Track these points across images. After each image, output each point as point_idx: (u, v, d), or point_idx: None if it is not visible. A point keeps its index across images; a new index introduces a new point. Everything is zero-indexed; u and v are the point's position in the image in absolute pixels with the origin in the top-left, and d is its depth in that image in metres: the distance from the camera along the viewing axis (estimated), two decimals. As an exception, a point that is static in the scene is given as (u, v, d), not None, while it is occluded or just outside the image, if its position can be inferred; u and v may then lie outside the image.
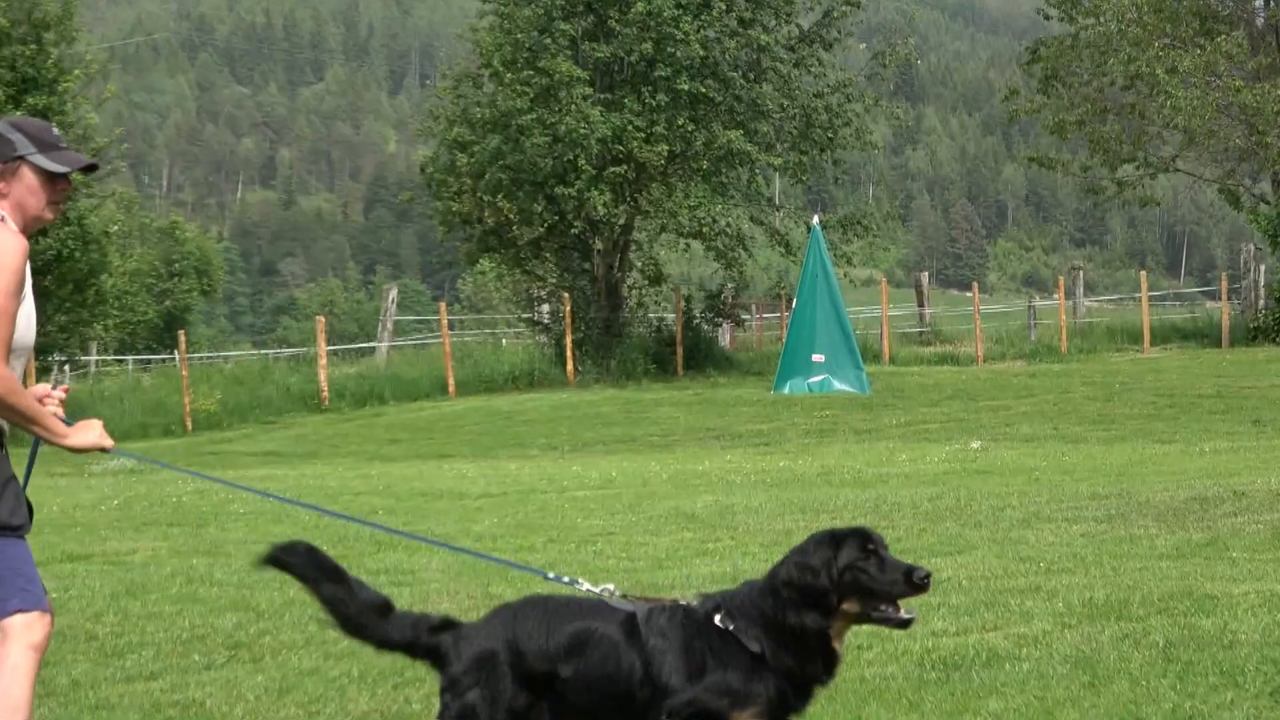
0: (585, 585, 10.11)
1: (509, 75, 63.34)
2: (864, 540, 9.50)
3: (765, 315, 75.47)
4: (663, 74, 62.81)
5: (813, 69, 66.50)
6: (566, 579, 10.46)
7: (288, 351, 76.70)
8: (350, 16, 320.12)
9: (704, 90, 63.11)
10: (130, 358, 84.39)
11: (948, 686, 13.93)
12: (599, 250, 65.46)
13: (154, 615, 17.83)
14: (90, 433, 10.28)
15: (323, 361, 59.27)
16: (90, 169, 10.66)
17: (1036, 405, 51.33)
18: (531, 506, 28.91)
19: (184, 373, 57.05)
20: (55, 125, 10.72)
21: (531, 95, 62.55)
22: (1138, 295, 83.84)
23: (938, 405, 51.76)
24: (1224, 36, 79.03)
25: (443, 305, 71.17)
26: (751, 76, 64.69)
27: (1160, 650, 14.81)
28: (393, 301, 77.65)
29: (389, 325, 74.21)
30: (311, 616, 18.03)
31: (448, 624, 9.80)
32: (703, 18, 62.84)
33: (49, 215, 10.28)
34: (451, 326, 67.94)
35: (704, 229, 65.66)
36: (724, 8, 63.44)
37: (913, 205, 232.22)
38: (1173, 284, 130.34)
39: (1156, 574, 19.19)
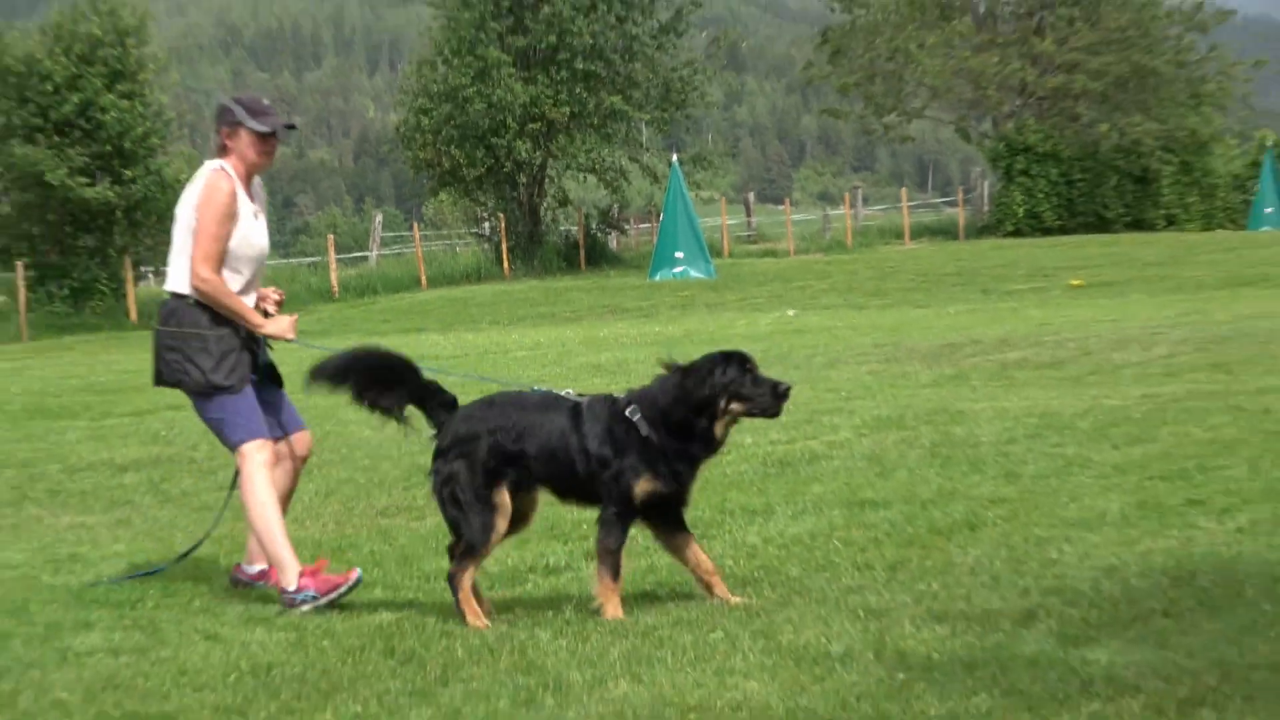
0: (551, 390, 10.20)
1: (455, 60, 63.21)
2: (743, 361, 9.73)
3: (640, 225, 75.24)
4: (564, 57, 62.86)
5: (669, 50, 66.36)
6: (541, 388, 10.44)
7: (306, 260, 76.19)
8: (338, 19, 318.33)
9: (593, 68, 63.20)
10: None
11: (783, 478, 14.13)
12: (523, 183, 65.47)
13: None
14: (279, 324, 10.66)
15: (333, 266, 59.02)
16: (290, 128, 10.84)
17: (832, 284, 51.41)
18: (485, 363, 28.92)
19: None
20: (265, 97, 10.97)
21: (471, 74, 62.50)
22: (899, 205, 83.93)
23: (763, 286, 51.69)
24: (957, 20, 79.46)
25: (415, 225, 71.11)
26: (627, 57, 64.61)
27: (928, 449, 15.06)
28: (379, 223, 77.42)
29: (377, 239, 73.99)
30: (344, 440, 18.24)
31: (452, 404, 10.00)
32: (590, 16, 62.90)
33: (263, 162, 10.63)
34: (422, 239, 67.91)
35: (596, 166, 65.90)
36: (605, 8, 63.39)
37: (740, 145, 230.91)
38: (924, 196, 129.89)
39: (922, 398, 19.40)
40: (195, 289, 10.35)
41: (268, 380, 10.80)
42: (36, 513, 14.75)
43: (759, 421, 17.79)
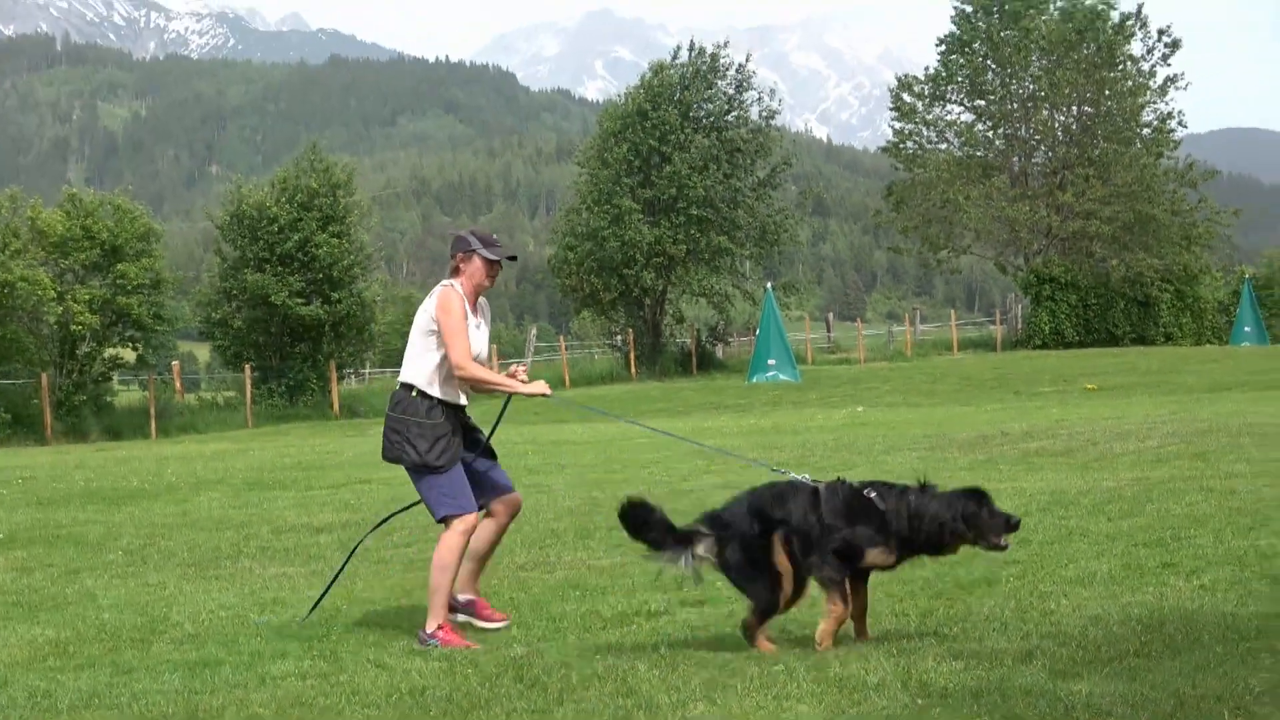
0: (790, 473, 10.23)
1: (596, 208, 63.72)
2: (982, 496, 9.53)
3: (741, 338, 75.37)
4: (682, 205, 63.15)
5: (766, 200, 66.64)
6: (779, 469, 10.77)
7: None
8: (506, 174, 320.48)
9: (705, 214, 63.46)
10: (388, 370, 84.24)
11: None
12: (648, 305, 65.66)
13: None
14: (537, 385, 10.81)
15: (495, 368, 59.29)
16: (512, 258, 11.10)
17: (894, 386, 51.27)
18: (614, 447, 28.99)
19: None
20: (495, 232, 11.22)
21: (608, 219, 62.97)
22: (950, 323, 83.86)
23: (838, 388, 51.67)
24: (996, 178, 79.49)
25: (562, 337, 71.59)
26: (732, 206, 64.86)
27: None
28: (533, 335, 78.08)
29: (531, 347, 74.57)
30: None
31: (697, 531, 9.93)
32: (703, 173, 63.32)
33: (488, 284, 10.85)
34: (567, 348, 68.28)
35: (706, 291, 66.16)
36: (715, 168, 63.81)
37: (823, 275, 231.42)
38: (970, 316, 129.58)
39: (957, 478, 19.18)
40: (458, 377, 10.58)
41: (483, 455, 10.94)
42: (248, 565, 14.90)
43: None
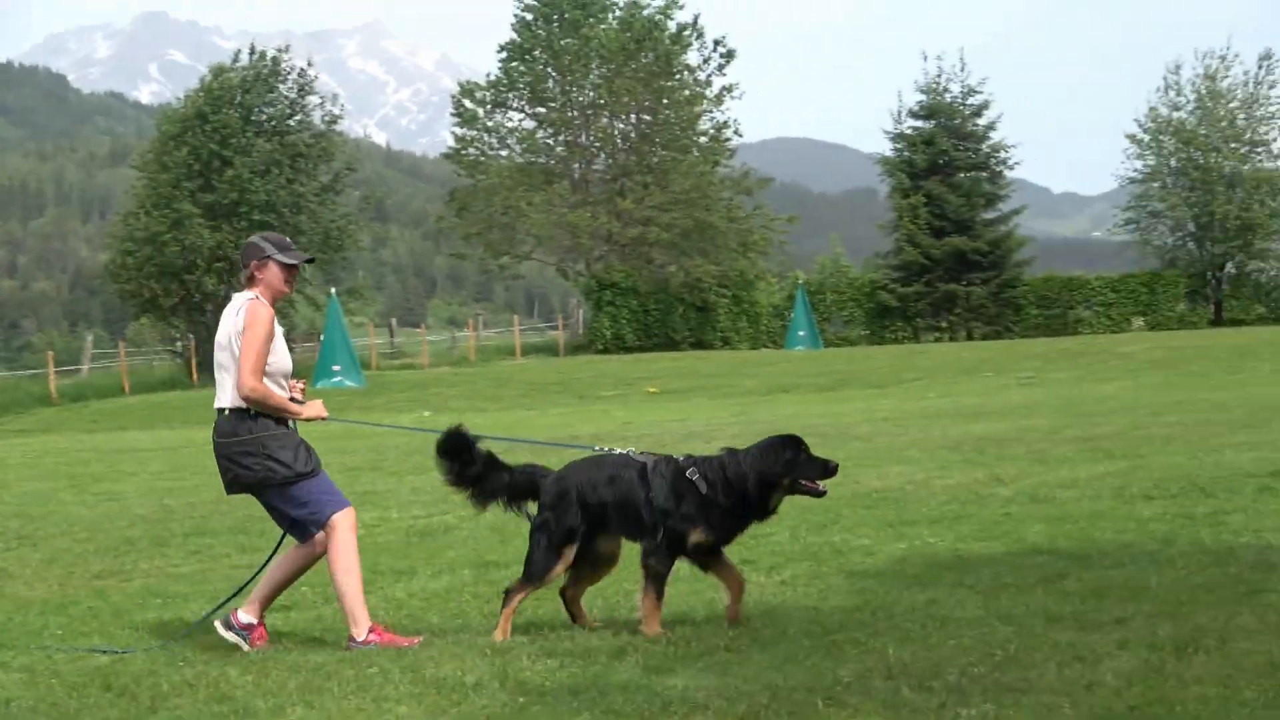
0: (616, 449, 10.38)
1: (155, 212, 62.53)
2: (798, 443, 9.50)
3: (305, 344, 74.36)
4: (244, 210, 62.50)
5: (329, 205, 66.27)
6: (602, 447, 10.62)
7: (28, 372, 73.95)
8: (58, 178, 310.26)
9: (268, 219, 62.72)
10: None
11: (424, 545, 14.13)
12: (209, 310, 64.46)
13: None
14: (313, 408, 10.29)
15: (51, 377, 57.45)
16: (310, 260, 10.74)
17: (460, 391, 51.43)
18: (182, 454, 28.38)
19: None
20: (286, 236, 10.68)
21: (168, 223, 61.88)
22: (512, 328, 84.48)
23: (404, 393, 51.57)
24: (557, 184, 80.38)
25: (121, 343, 69.90)
26: (295, 210, 64.34)
27: (539, 521, 15.18)
28: (89, 342, 75.91)
29: (88, 355, 72.32)
30: (64, 516, 17.78)
31: (540, 471, 10.25)
32: (265, 177, 62.66)
33: (287, 290, 10.32)
34: (126, 355, 66.78)
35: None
36: (278, 172, 63.18)
37: (385, 280, 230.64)
38: (532, 322, 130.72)
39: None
40: (245, 399, 9.95)
41: None
42: None
43: (405, 498, 17.81)
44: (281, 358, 10.21)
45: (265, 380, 10.01)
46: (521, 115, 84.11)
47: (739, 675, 7.92)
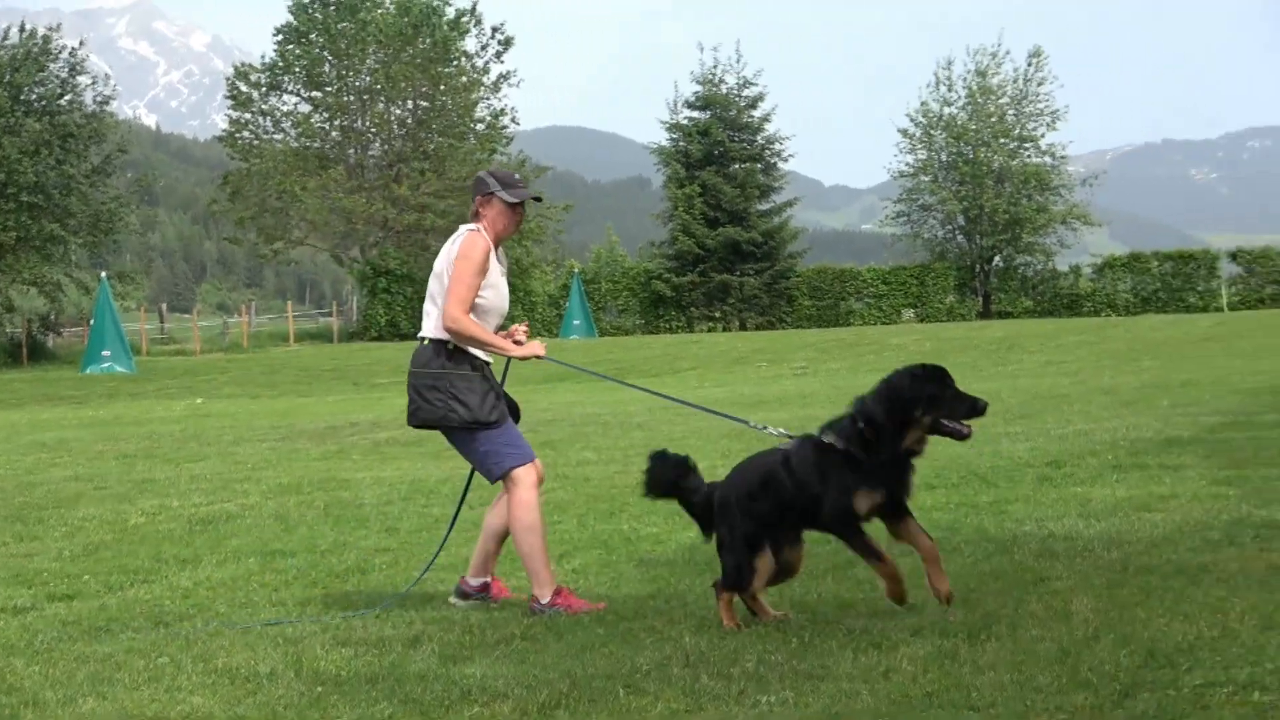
0: (768, 428, 9.59)
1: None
2: (942, 374, 8.49)
3: (73, 329, 73.23)
4: (12, 191, 61.01)
5: (99, 188, 65.07)
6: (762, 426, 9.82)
7: None
8: None
9: (36, 200, 61.40)
10: None
11: (207, 533, 13.89)
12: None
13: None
14: (531, 347, 9.99)
15: None
16: (537, 199, 10.17)
17: (232, 377, 50.99)
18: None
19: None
20: (517, 172, 10.20)
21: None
22: (285, 315, 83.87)
23: (176, 379, 50.95)
24: (332, 169, 79.86)
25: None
26: (64, 193, 62.96)
27: (322, 510, 15.14)
28: None
29: None
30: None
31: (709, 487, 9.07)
32: (34, 158, 61.29)
33: (512, 230, 9.98)
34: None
35: (38, 280, 64.28)
36: (47, 153, 61.82)
37: (154, 265, 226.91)
38: (304, 308, 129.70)
39: (314, 469, 19.41)
40: (447, 329, 9.65)
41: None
42: None
43: (184, 486, 17.57)
44: (496, 296, 9.95)
45: (475, 316, 9.77)
46: (297, 99, 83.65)
47: (537, 663, 7.91)
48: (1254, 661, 7.02)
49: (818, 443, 8.57)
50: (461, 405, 9.72)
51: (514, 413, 10.11)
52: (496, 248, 9.99)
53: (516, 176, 10.10)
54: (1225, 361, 36.41)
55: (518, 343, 10.08)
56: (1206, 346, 44.21)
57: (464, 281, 9.71)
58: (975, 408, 8.41)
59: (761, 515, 8.67)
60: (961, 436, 8.44)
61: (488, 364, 9.97)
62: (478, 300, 9.80)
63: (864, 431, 8.36)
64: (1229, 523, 11.17)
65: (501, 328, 10.17)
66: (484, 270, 9.80)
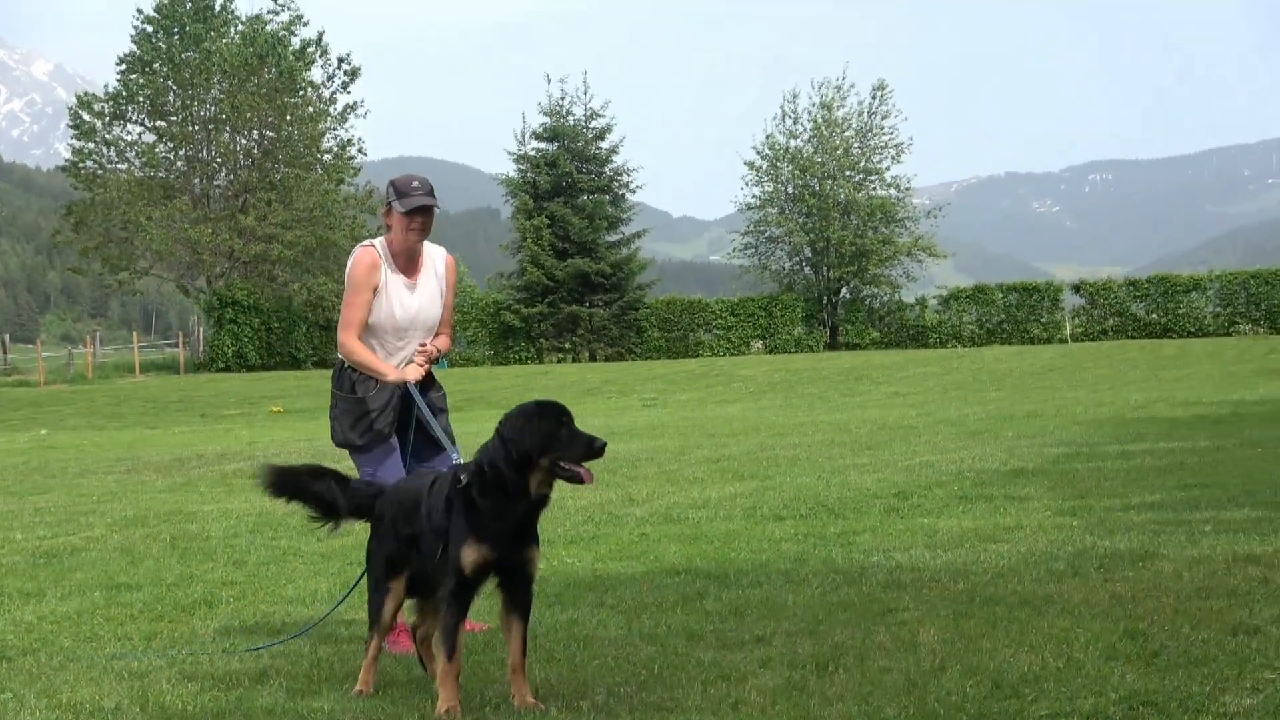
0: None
1: None
2: (559, 411, 7.53)
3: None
4: None
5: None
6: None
7: None
8: None
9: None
10: None
11: (51, 567, 13.63)
12: None
13: None
14: (405, 372, 9.64)
15: None
16: (424, 209, 9.54)
17: (77, 409, 50.24)
18: None
19: None
20: (415, 178, 9.70)
21: None
22: (131, 345, 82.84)
23: (19, 410, 50.11)
24: (178, 199, 79.23)
25: None
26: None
27: (168, 542, 14.90)
28: None
29: None
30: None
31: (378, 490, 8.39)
32: None
33: (414, 239, 9.61)
34: None
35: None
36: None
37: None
38: (150, 339, 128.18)
39: (160, 501, 19.17)
40: (339, 351, 9.59)
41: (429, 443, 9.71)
42: None
43: (28, 519, 17.29)
44: (386, 311, 9.69)
45: (368, 335, 9.65)
46: (141, 129, 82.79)
47: (385, 698, 7.87)
48: (1098, 692, 7.12)
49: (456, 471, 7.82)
50: (336, 425, 9.73)
51: (433, 442, 9.70)
52: (400, 258, 9.76)
53: (415, 184, 9.70)
54: (1068, 392, 37.06)
55: (421, 365, 9.85)
56: (1050, 378, 44.99)
57: (346, 302, 9.67)
58: (592, 448, 7.49)
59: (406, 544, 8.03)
60: (580, 481, 7.49)
61: (379, 383, 9.68)
62: (371, 319, 9.69)
63: (486, 473, 7.51)
64: (1073, 553, 11.33)
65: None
66: (368, 287, 9.64)
